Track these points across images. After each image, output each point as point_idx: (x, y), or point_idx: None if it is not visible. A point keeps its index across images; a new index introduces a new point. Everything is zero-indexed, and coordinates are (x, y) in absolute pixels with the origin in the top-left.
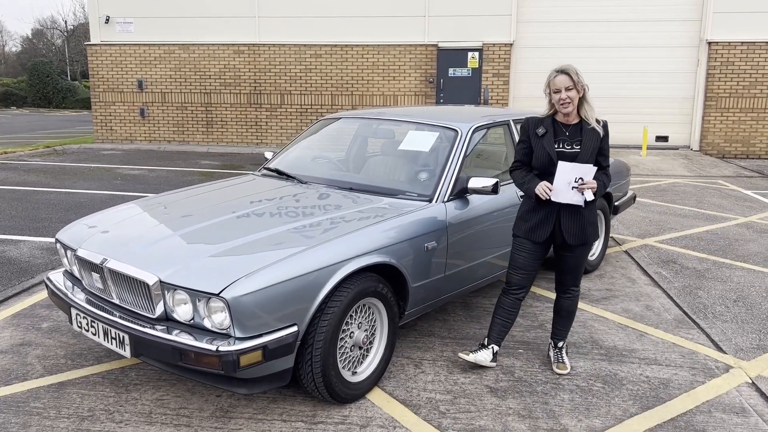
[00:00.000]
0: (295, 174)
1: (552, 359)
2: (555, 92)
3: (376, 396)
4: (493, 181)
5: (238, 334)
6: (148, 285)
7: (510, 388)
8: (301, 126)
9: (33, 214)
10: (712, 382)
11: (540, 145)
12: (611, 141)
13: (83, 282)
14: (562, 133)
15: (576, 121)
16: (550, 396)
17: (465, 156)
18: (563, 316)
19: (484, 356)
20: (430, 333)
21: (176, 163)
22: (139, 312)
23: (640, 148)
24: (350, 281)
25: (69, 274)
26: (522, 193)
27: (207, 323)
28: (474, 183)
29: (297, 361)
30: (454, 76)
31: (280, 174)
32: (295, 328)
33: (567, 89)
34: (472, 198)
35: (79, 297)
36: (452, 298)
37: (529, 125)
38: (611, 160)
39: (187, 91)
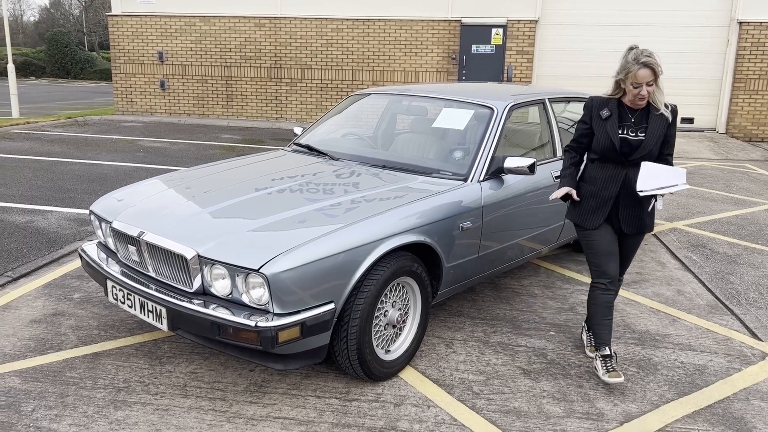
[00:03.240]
0: (326, 150)
1: (585, 342)
2: (635, 86)
3: (409, 375)
4: (530, 160)
5: (277, 310)
6: (186, 259)
7: (543, 371)
8: (321, 101)
9: (59, 184)
10: (748, 369)
11: (603, 128)
12: None
13: (118, 254)
14: (627, 119)
15: (643, 105)
16: (585, 379)
17: (500, 135)
18: None
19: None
20: (460, 313)
21: (197, 136)
22: (175, 286)
23: None
24: (387, 260)
25: (103, 246)
26: (557, 174)
27: (245, 298)
28: (510, 162)
29: (332, 338)
30: (477, 52)
31: (311, 150)
32: (332, 306)
33: (648, 84)
34: (507, 178)
35: (114, 269)
36: (483, 279)
37: (592, 105)
38: None
39: (208, 64)
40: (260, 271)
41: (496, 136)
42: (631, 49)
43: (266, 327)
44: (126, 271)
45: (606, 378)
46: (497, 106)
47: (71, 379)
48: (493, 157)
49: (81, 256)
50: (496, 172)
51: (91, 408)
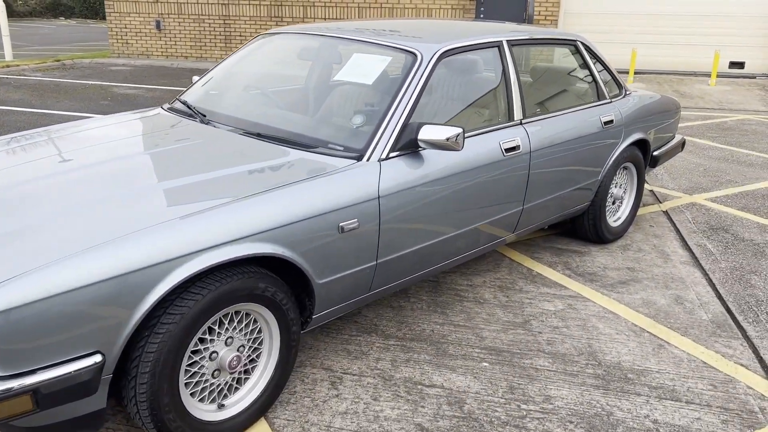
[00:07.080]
0: (202, 109)
1: None
2: None
3: None
4: (455, 130)
5: None
6: None
7: (453, 430)
8: None
9: None
10: None
11: None
12: (673, 67)
13: None
14: None
15: None
16: None
17: (421, 92)
18: None
19: None
20: (373, 327)
21: (182, 82)
22: None
23: (709, 75)
24: (205, 282)
25: None
26: (510, 146)
27: None
28: (427, 133)
29: (119, 395)
30: None
31: (189, 108)
32: (97, 358)
33: None
34: (427, 154)
35: None
36: (399, 288)
37: None
38: (657, 96)
39: (204, 2)
40: None
41: (414, 95)
42: None
43: None
44: None
45: None
46: (423, 51)
47: None
48: (404, 125)
49: None
50: (408, 146)
51: None
